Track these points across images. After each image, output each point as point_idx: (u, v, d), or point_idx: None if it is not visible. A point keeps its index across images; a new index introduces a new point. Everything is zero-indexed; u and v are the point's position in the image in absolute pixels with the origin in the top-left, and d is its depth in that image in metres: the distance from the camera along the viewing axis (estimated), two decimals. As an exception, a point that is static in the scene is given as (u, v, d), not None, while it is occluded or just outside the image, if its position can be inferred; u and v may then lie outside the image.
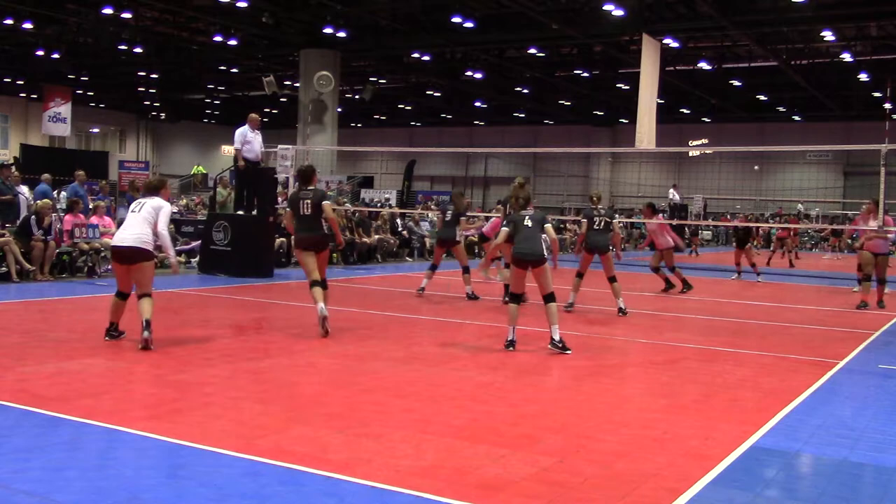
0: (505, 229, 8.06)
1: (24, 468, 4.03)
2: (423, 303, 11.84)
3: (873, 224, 12.66)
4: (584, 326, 9.72)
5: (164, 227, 7.41)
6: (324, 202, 8.48)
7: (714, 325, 10.55)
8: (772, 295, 14.86)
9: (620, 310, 10.89)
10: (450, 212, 12.34)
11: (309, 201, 8.47)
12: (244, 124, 14.08)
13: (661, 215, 14.69)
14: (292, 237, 9.94)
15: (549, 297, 7.81)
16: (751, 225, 19.29)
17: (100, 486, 3.84)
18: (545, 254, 7.90)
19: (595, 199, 11.49)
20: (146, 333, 7.06)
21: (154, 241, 7.37)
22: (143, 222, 7.29)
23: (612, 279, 10.99)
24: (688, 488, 4.15)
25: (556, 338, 7.76)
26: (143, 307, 7.18)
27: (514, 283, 7.97)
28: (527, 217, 7.97)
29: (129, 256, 7.20)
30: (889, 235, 12.71)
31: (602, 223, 11.17)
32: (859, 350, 8.81)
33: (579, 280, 11.26)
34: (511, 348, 7.79)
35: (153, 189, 7.67)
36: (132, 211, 7.43)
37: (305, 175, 8.68)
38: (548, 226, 8.02)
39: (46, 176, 15.94)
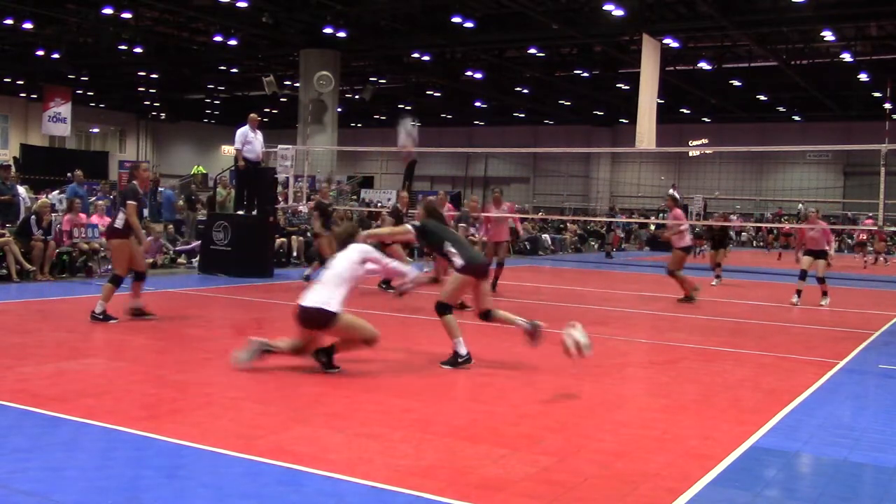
0: None
1: (24, 468, 4.03)
2: (423, 303, 11.83)
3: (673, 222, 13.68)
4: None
5: (379, 259, 6.91)
6: None
7: (713, 325, 10.54)
8: (772, 295, 14.84)
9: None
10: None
11: None
12: (244, 124, 14.09)
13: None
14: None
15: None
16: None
17: (100, 486, 3.83)
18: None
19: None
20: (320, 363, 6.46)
21: (345, 295, 6.45)
22: (338, 280, 6.45)
23: (306, 277, 10.77)
24: (688, 488, 4.15)
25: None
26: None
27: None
28: None
29: (307, 320, 6.38)
30: (682, 229, 13.16)
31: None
32: (859, 350, 8.80)
33: None
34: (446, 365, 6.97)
35: (347, 238, 6.88)
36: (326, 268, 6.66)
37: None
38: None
39: (78, 174, 15.86)
